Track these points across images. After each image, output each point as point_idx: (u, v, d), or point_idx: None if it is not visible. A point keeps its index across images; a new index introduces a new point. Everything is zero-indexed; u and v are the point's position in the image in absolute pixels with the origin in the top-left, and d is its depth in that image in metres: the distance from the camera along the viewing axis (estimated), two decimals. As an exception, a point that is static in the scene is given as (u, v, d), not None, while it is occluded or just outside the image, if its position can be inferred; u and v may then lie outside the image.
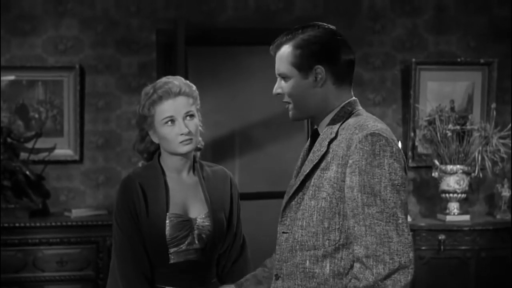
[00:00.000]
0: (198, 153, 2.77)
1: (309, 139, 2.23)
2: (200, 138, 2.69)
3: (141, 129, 2.68)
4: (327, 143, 2.09)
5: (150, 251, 2.59)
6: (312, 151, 2.14)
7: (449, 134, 4.94)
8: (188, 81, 2.67)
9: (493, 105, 5.13)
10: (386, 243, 1.94)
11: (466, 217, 4.97)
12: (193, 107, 2.63)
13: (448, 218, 4.93)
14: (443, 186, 4.98)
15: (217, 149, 6.57)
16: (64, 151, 5.02)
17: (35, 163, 4.90)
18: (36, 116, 4.99)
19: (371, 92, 5.28)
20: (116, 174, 5.05)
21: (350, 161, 2.01)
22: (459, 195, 4.97)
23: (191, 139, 2.60)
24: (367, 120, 2.07)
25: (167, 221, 2.58)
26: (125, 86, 5.09)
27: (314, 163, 2.09)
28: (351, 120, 2.10)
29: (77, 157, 5.03)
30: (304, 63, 2.13)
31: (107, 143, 5.10)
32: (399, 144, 2.05)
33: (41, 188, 4.86)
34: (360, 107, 2.18)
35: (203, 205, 2.65)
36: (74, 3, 5.05)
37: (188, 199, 2.65)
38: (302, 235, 2.08)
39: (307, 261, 2.07)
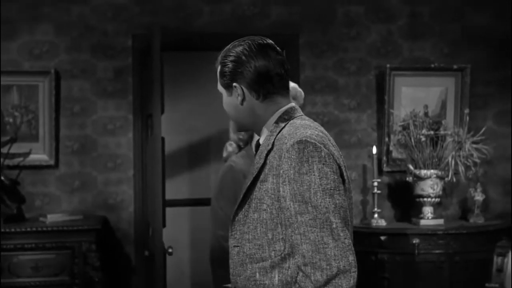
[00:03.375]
0: None
1: (255, 152, 2.22)
2: None
3: None
4: (264, 155, 2.08)
5: None
6: (253, 164, 2.14)
7: (423, 139, 4.99)
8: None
9: (466, 111, 5.19)
10: (321, 249, 1.93)
11: (440, 221, 5.02)
12: None
13: (422, 222, 4.97)
14: (417, 190, 5.02)
15: (192, 154, 6.58)
16: (39, 156, 4.99)
17: (10, 168, 4.86)
18: (11, 121, 4.96)
19: (346, 97, 5.32)
20: (92, 179, 5.03)
21: (281, 171, 2.00)
22: (433, 199, 5.00)
23: None
24: (297, 129, 2.05)
25: None
26: (101, 91, 5.06)
27: (254, 176, 2.09)
28: (285, 130, 2.08)
29: (52, 162, 5.01)
30: (224, 81, 2.16)
31: (83, 148, 5.08)
32: (332, 150, 2.03)
33: (16, 193, 4.82)
34: (298, 114, 2.16)
35: None
36: (50, 8, 5.03)
37: None
38: (250, 248, 2.08)
39: (257, 274, 2.06)
